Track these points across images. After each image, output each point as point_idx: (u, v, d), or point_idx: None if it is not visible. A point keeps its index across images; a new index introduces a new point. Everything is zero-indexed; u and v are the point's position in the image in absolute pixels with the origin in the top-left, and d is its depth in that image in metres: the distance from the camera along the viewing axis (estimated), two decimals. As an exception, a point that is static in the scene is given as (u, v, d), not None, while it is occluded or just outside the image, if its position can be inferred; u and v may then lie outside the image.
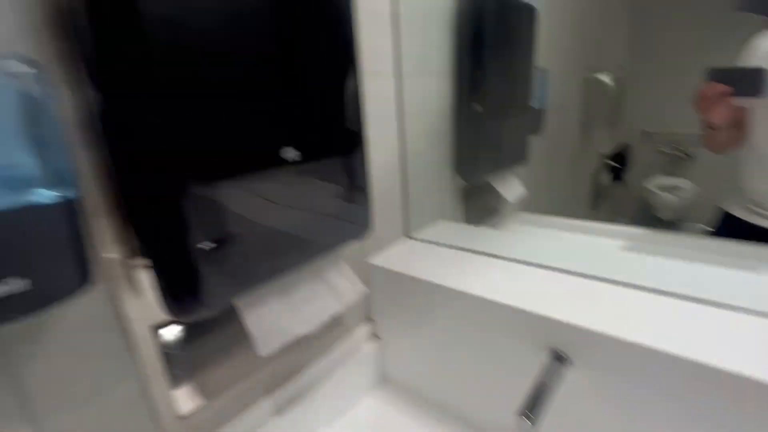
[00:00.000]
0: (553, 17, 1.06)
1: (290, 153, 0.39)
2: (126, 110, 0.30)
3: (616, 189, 1.83)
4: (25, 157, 0.27)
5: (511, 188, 0.93)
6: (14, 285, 0.25)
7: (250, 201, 0.37)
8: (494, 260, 0.62)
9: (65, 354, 0.34)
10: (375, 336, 0.68)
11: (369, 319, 0.68)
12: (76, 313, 0.34)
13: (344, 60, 0.44)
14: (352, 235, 0.49)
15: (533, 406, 0.42)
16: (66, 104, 0.31)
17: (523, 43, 0.85)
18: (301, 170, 0.41)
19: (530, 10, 0.83)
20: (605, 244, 0.87)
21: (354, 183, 0.48)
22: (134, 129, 0.30)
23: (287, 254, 0.42)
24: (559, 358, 0.47)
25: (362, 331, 0.66)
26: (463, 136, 0.79)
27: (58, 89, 0.30)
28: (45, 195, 0.27)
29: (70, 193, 0.28)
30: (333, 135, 0.45)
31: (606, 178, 1.78)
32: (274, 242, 0.40)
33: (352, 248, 0.52)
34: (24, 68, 0.27)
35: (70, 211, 0.28)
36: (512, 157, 0.92)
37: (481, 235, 0.79)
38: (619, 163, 1.81)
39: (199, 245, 0.34)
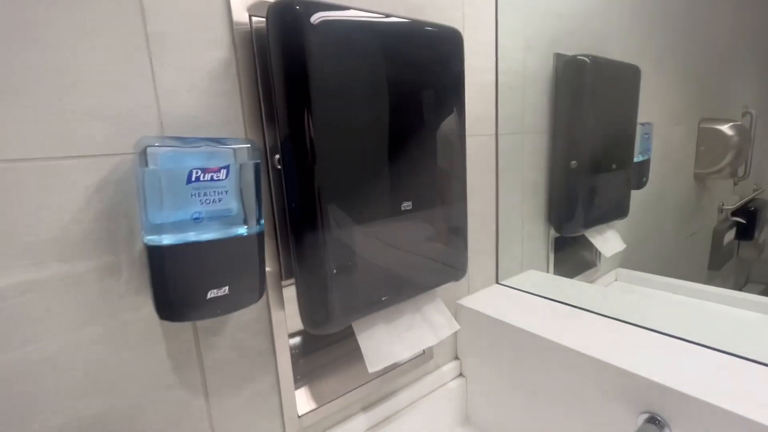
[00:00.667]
0: (663, 72, 1.05)
1: (406, 204, 0.48)
2: (301, 174, 0.41)
3: (744, 249, 1.61)
4: (235, 203, 0.39)
5: (609, 242, 0.91)
6: (224, 290, 0.37)
7: (371, 241, 0.46)
8: (588, 314, 0.62)
9: (232, 347, 0.45)
10: (461, 375, 0.71)
11: (456, 358, 0.72)
12: (243, 316, 0.46)
13: (456, 129, 0.52)
14: (449, 276, 0.56)
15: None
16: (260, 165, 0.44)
17: (624, 101, 0.86)
18: (411, 217, 0.50)
19: (633, 70, 0.85)
20: (718, 311, 0.80)
21: (454, 230, 0.55)
22: (306, 187, 0.41)
23: (395, 288, 0.50)
24: (655, 423, 0.46)
25: (450, 367, 0.70)
26: (558, 189, 0.82)
27: (257, 155, 0.44)
28: (243, 228, 0.39)
29: (258, 228, 0.40)
30: (440, 189, 0.53)
31: (730, 236, 1.59)
32: (385, 277, 0.49)
33: (447, 289, 0.58)
34: (240, 144, 0.40)
35: (258, 241, 0.39)
36: (610, 211, 0.90)
37: (575, 288, 0.79)
38: (747, 219, 1.60)
39: (334, 272, 0.43)
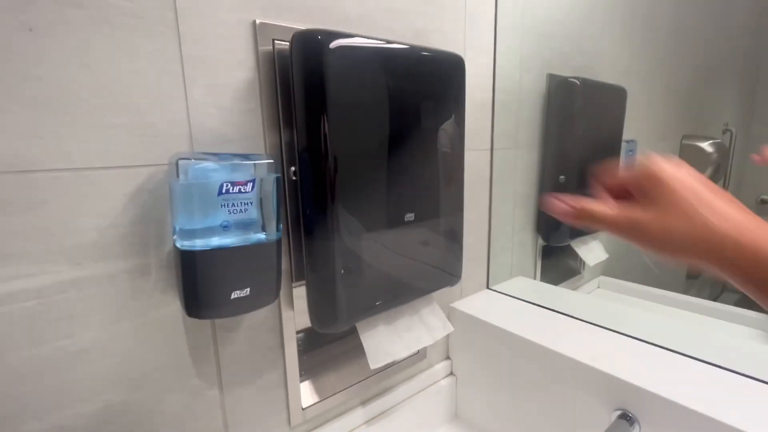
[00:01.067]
0: (649, 91, 1.11)
1: (409, 216, 0.52)
2: (317, 185, 0.45)
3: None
4: (258, 213, 0.43)
5: (592, 252, 0.96)
6: (245, 292, 0.40)
7: (376, 248, 0.51)
8: (571, 319, 0.67)
9: (245, 343, 0.49)
10: (452, 374, 0.76)
11: (448, 357, 0.76)
12: (257, 314, 0.49)
13: (456, 147, 0.57)
14: (445, 282, 0.60)
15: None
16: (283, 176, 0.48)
17: (610, 120, 0.92)
18: (413, 227, 0.54)
19: (620, 92, 0.91)
20: (691, 319, 0.86)
21: (451, 239, 0.60)
22: (320, 197, 0.45)
23: (396, 292, 0.54)
24: (627, 419, 0.51)
25: (441, 366, 0.75)
26: (547, 201, 0.87)
27: (278, 170, 0.47)
28: (264, 235, 0.43)
29: (277, 235, 0.43)
30: (440, 202, 0.57)
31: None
32: (388, 282, 0.53)
33: (441, 293, 0.62)
34: (264, 159, 0.43)
35: (276, 246, 0.43)
36: (595, 222, 0.96)
37: (560, 295, 0.85)
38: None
39: (342, 275, 0.47)
